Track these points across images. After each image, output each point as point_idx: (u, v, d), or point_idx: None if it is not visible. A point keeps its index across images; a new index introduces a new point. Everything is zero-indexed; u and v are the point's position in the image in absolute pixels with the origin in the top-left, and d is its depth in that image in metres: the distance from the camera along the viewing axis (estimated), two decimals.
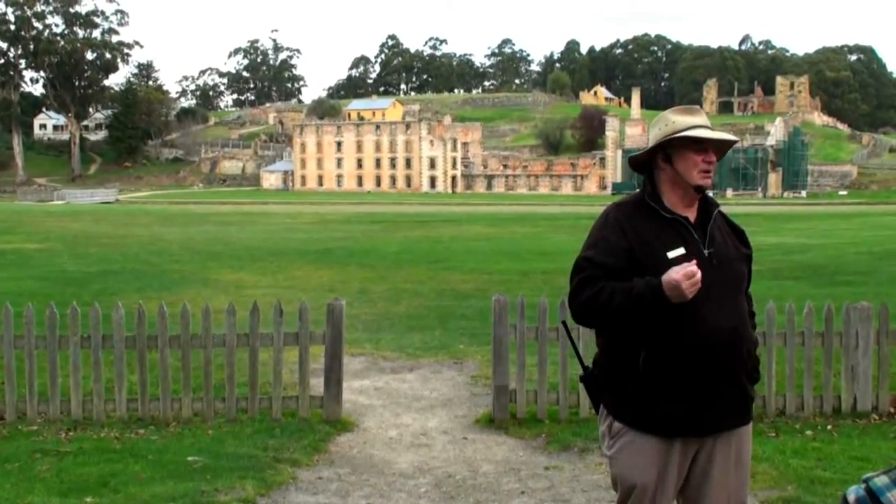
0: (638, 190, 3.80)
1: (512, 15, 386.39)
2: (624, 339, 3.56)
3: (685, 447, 3.53)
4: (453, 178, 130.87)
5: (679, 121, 3.61)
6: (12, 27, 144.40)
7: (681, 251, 3.49)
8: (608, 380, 3.63)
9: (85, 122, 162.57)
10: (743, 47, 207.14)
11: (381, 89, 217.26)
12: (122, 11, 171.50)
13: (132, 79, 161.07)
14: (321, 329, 8.09)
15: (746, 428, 3.64)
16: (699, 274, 3.33)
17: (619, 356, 3.58)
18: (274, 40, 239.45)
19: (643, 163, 3.71)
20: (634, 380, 3.52)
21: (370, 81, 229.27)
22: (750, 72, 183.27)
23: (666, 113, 3.72)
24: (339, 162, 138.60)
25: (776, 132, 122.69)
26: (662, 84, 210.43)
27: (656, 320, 3.42)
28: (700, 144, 3.56)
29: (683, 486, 3.64)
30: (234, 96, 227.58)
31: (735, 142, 3.72)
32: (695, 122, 3.60)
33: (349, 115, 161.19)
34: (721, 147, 3.64)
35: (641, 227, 3.56)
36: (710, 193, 3.71)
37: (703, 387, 3.46)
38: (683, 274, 3.32)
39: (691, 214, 3.61)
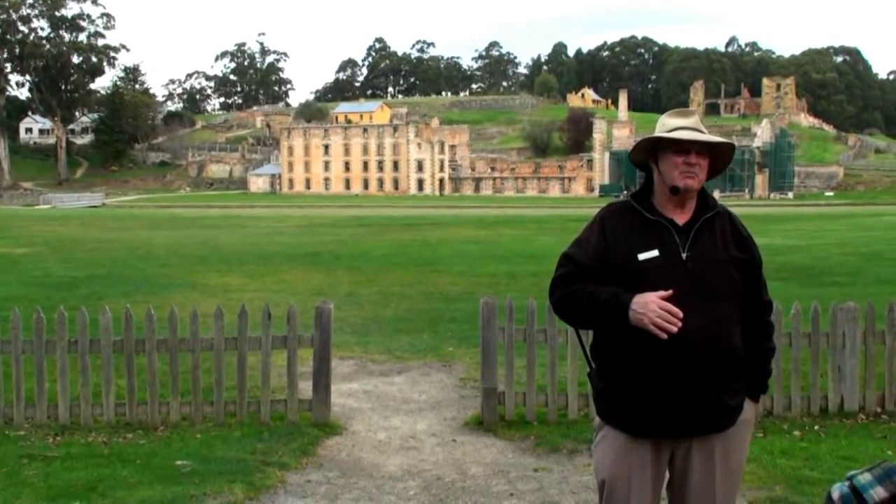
0: (625, 192, 3.82)
1: (499, 18, 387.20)
2: (598, 336, 3.65)
3: (657, 447, 3.55)
4: (441, 180, 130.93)
5: (668, 123, 3.63)
6: None
7: (653, 253, 3.49)
8: (594, 376, 3.72)
9: (71, 126, 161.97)
10: (729, 49, 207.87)
11: (369, 92, 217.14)
12: (108, 15, 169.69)
13: (118, 82, 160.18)
14: (309, 332, 8.09)
15: (735, 434, 3.59)
16: (679, 322, 3.30)
17: (596, 353, 3.67)
18: (261, 43, 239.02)
19: (645, 163, 3.75)
20: (606, 377, 3.59)
21: (357, 84, 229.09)
22: (736, 74, 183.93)
23: (662, 116, 3.75)
24: (327, 165, 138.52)
25: (763, 133, 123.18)
26: (649, 86, 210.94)
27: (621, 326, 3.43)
28: (680, 146, 3.54)
29: (670, 488, 3.67)
30: (221, 99, 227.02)
31: (728, 145, 3.65)
32: (681, 123, 3.60)
33: (336, 118, 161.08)
34: (716, 153, 3.63)
35: (621, 227, 3.59)
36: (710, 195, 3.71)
37: (665, 390, 3.44)
38: (658, 305, 3.31)
39: (682, 217, 3.58)
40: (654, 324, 3.30)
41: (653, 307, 3.31)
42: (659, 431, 3.51)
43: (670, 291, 3.33)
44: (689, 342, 3.39)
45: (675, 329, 3.30)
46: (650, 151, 3.66)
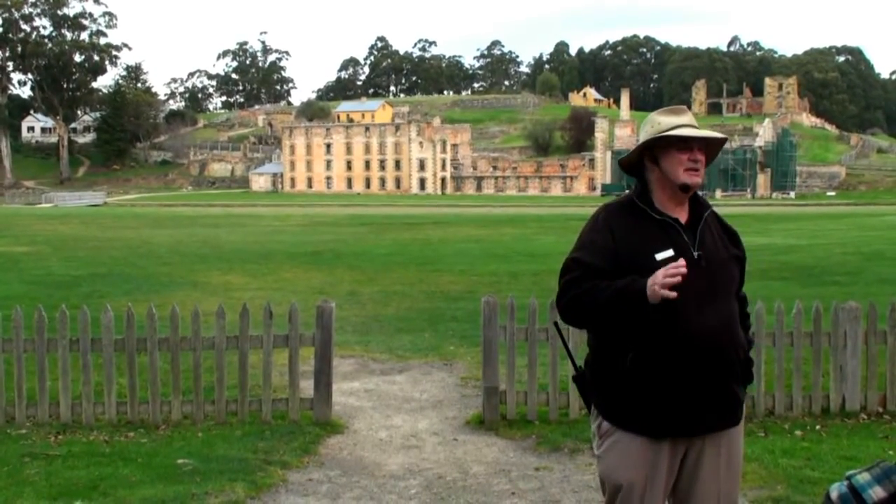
0: (627, 191, 3.81)
1: (501, 16, 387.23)
2: (612, 338, 3.56)
3: (673, 447, 3.53)
4: (443, 179, 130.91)
5: (664, 121, 3.62)
6: (0, 29, 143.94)
7: (669, 253, 3.47)
8: (597, 379, 3.64)
9: (73, 125, 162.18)
10: (731, 49, 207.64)
11: (371, 91, 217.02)
12: (110, 13, 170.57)
13: (120, 81, 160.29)
14: (311, 331, 8.08)
15: (737, 429, 3.63)
16: (682, 269, 3.29)
17: (608, 356, 3.58)
18: (263, 42, 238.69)
19: (634, 165, 3.72)
20: (622, 380, 3.52)
21: (359, 83, 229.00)
22: (738, 73, 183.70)
23: (652, 114, 3.74)
24: (329, 164, 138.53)
25: (765, 133, 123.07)
26: (651, 85, 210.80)
27: (642, 320, 3.40)
28: (685, 143, 3.55)
29: (673, 487, 3.66)
30: (223, 98, 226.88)
31: (723, 139, 3.67)
32: (679, 121, 3.60)
33: (338, 117, 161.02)
34: (709, 146, 3.63)
35: (629, 228, 3.56)
36: (700, 194, 3.70)
37: (689, 388, 3.45)
38: (664, 270, 3.31)
39: (682, 215, 3.59)
40: (662, 285, 3.28)
41: (659, 273, 3.32)
42: (681, 431, 3.50)
43: (682, 260, 3.33)
44: (708, 339, 3.43)
45: (679, 278, 3.27)
46: (646, 151, 3.66)
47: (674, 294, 3.30)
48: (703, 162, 3.59)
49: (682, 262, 3.32)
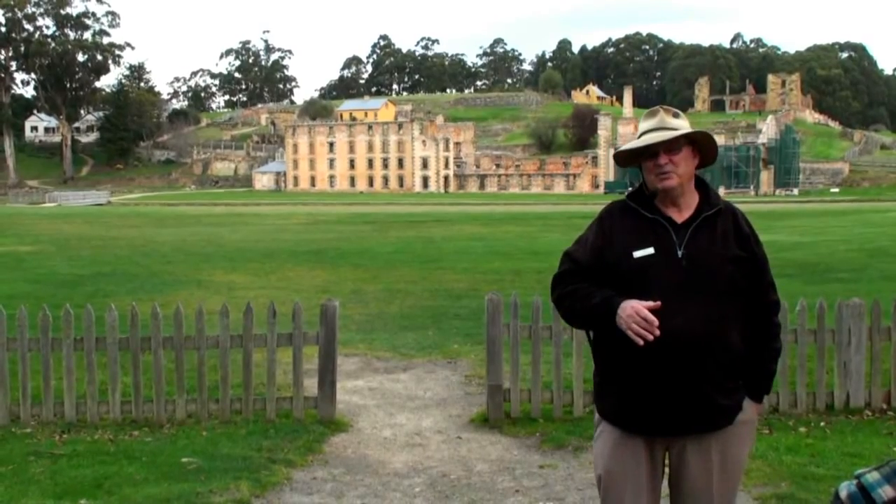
0: (631, 189, 3.82)
1: (503, 14, 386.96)
2: (597, 333, 3.64)
3: (650, 444, 3.54)
4: (446, 177, 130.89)
5: (640, 128, 3.63)
6: (2, 29, 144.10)
7: (649, 251, 3.47)
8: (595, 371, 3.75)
9: (76, 124, 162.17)
10: (734, 45, 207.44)
11: (374, 90, 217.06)
12: (113, 13, 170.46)
13: (123, 80, 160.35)
14: (315, 330, 8.08)
15: (733, 431, 3.52)
16: (656, 331, 3.28)
17: (596, 349, 3.67)
18: (265, 41, 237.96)
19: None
20: (602, 373, 3.63)
21: (362, 82, 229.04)
22: (742, 70, 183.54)
23: None
24: (332, 162, 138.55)
25: (768, 130, 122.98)
26: (654, 83, 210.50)
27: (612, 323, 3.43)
28: (647, 150, 3.52)
29: (670, 483, 3.67)
30: (226, 97, 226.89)
31: (699, 133, 3.54)
32: (646, 126, 3.58)
33: (341, 116, 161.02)
34: (695, 143, 3.55)
35: (620, 225, 3.58)
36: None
37: (656, 387, 3.42)
38: (636, 311, 3.30)
39: (680, 215, 3.54)
40: (630, 329, 3.32)
41: (630, 312, 3.32)
42: (649, 429, 3.50)
43: (658, 303, 3.31)
44: (679, 340, 3.36)
45: (650, 337, 3.28)
46: (633, 159, 3.64)
47: (640, 342, 3.31)
48: (676, 163, 3.48)
49: (655, 322, 3.29)
